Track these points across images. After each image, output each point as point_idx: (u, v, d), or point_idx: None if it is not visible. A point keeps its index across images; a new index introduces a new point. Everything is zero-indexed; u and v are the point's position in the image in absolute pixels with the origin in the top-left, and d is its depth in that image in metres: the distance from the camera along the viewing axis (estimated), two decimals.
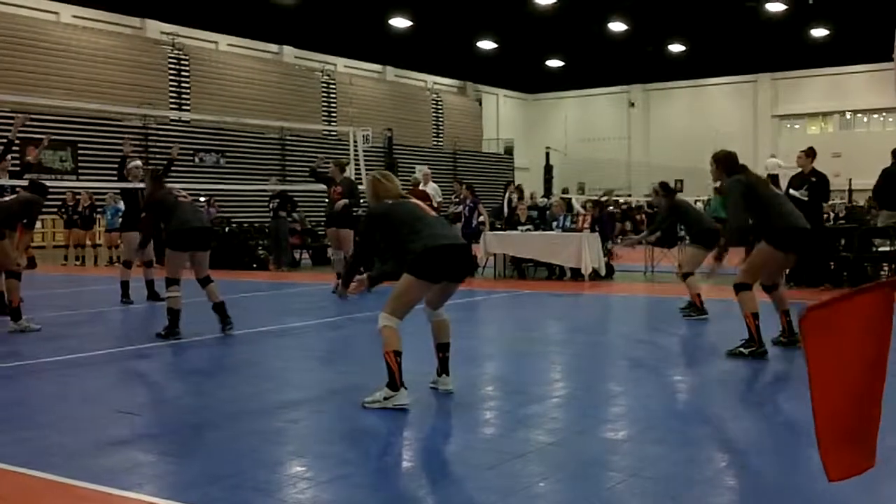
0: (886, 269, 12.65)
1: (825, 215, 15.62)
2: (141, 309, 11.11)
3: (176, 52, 33.16)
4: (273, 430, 4.85)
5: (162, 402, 5.74)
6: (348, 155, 16.33)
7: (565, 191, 26.28)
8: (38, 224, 28.20)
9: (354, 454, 4.33)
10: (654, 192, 10.25)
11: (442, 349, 5.49)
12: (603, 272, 14.12)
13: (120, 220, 15.00)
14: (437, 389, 5.55)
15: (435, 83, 46.72)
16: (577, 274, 13.96)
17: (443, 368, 5.51)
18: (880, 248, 12.69)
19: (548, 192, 32.82)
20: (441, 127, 45.44)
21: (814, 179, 11.81)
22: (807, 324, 1.95)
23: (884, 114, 43.64)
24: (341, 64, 41.06)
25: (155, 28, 33.60)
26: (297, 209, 19.75)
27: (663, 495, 3.68)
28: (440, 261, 5.15)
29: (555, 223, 15.04)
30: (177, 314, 8.04)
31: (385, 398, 5.11)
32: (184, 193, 8.65)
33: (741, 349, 6.74)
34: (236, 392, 6.01)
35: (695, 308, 9.24)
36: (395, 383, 5.09)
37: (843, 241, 12.74)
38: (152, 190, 8.64)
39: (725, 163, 6.96)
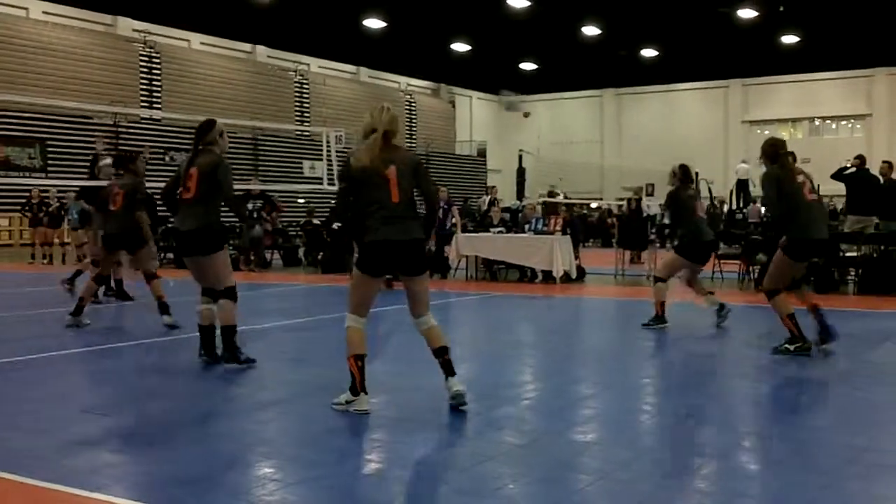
0: (853, 274, 12.80)
1: None
2: (109, 308, 11.01)
3: (148, 49, 32.88)
4: (242, 432, 4.82)
5: (130, 402, 5.67)
6: (321, 155, 16.24)
7: (551, 194, 26.09)
8: (6, 222, 27.90)
9: (324, 456, 4.31)
10: (673, 173, 8.93)
11: (439, 353, 5.26)
12: (574, 275, 14.19)
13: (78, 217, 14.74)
14: (453, 407, 5.18)
15: (409, 84, 46.69)
16: (548, 276, 14.02)
17: (447, 371, 5.26)
18: (847, 254, 12.84)
19: (520, 194, 32.82)
20: (414, 128, 45.39)
21: None
22: None
23: (852, 120, 44.23)
24: (315, 64, 40.93)
25: (126, 25, 33.28)
26: (276, 210, 19.49)
27: (633, 498, 3.70)
28: (380, 256, 5.15)
29: (527, 226, 15.09)
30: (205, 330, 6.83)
31: (347, 402, 5.12)
32: (189, 186, 6.47)
33: (787, 346, 6.97)
34: (206, 392, 5.97)
35: (655, 317, 8.72)
36: (356, 388, 5.09)
37: None
38: (193, 159, 6.72)
39: (768, 151, 7.15)
